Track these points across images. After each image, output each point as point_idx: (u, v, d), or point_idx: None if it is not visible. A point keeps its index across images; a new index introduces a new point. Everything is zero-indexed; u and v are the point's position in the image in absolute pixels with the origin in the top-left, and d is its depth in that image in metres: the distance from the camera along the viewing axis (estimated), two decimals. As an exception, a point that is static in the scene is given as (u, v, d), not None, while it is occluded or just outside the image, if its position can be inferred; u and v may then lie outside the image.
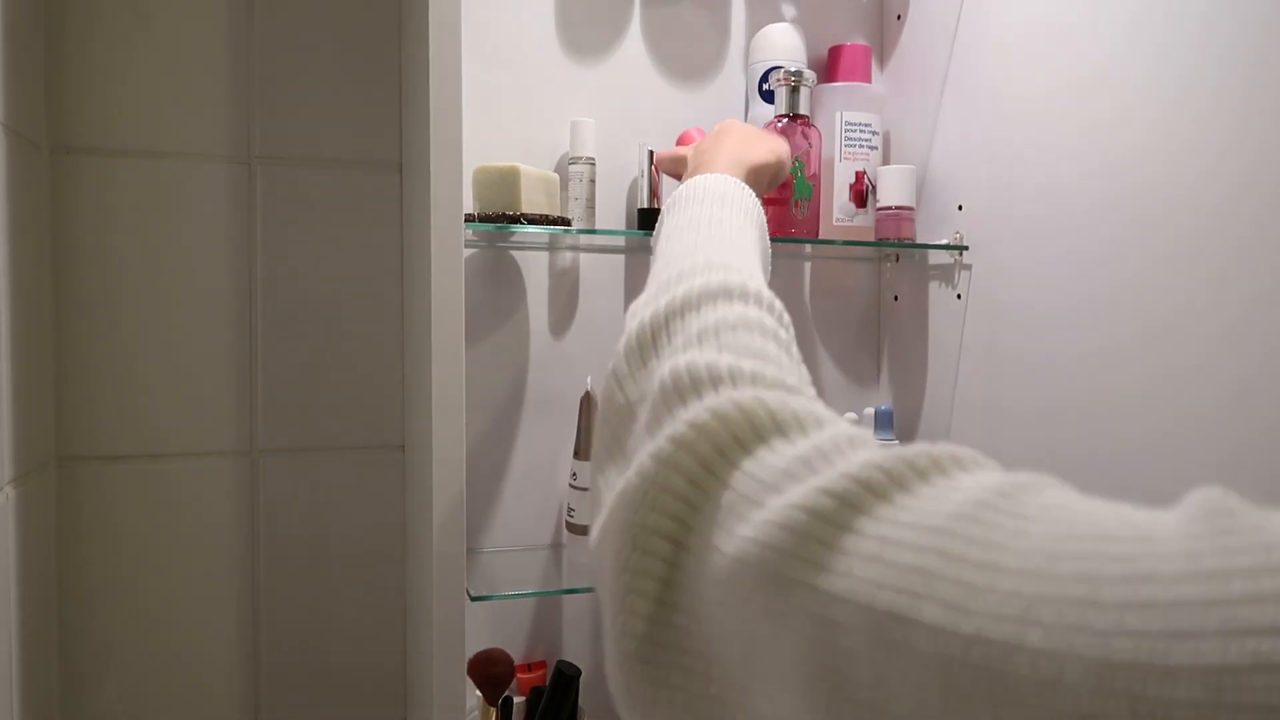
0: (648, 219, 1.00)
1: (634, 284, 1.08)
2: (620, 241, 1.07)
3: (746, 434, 0.36)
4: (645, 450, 0.38)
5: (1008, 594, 0.25)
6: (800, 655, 0.30)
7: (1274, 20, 0.70)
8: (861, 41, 1.13)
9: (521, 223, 0.92)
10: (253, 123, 0.94)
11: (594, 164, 1.00)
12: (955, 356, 1.05)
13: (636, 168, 1.03)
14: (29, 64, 0.82)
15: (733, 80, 1.11)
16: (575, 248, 1.07)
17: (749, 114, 1.10)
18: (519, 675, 1.01)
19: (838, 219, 1.07)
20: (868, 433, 0.35)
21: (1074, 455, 0.88)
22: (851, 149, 1.07)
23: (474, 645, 0.96)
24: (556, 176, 0.98)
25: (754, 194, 0.64)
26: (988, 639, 0.25)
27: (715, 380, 0.39)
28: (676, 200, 0.62)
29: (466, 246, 1.00)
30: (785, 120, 1.01)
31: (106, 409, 0.91)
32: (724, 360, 0.40)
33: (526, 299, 1.05)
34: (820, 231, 1.04)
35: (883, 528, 0.29)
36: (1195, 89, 0.76)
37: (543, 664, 1.05)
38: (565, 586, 1.00)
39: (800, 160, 1.00)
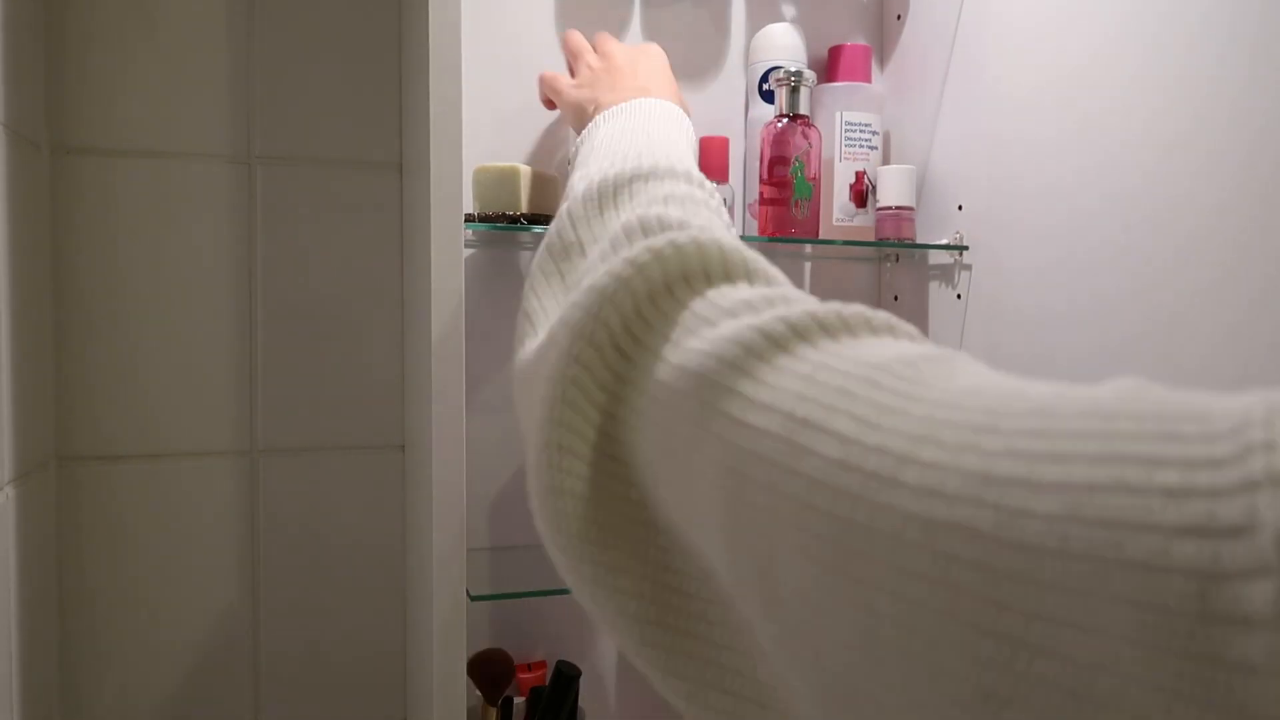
0: None
1: (634, 284, 1.08)
2: (620, 241, 1.07)
3: (711, 265, 0.38)
4: (600, 270, 0.40)
5: (918, 417, 0.27)
6: (717, 464, 0.32)
7: (1272, 15, 0.70)
8: (861, 41, 1.13)
9: (521, 223, 0.92)
10: (253, 123, 0.94)
11: (594, 164, 1.00)
12: (955, 356, 1.05)
13: None
14: (29, 64, 0.82)
15: (733, 80, 1.11)
16: (575, 248, 1.06)
17: (749, 114, 1.10)
18: (519, 675, 1.01)
19: (838, 219, 1.07)
20: None
21: (1074, 455, 0.88)
22: (851, 149, 1.07)
23: (474, 645, 0.96)
24: (556, 176, 0.98)
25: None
26: (887, 449, 0.26)
27: (682, 225, 0.41)
28: (635, 109, 0.65)
29: (466, 246, 1.00)
30: (785, 120, 1.01)
31: (107, 409, 0.91)
32: (686, 216, 0.43)
33: (526, 299, 1.05)
34: (820, 231, 1.04)
35: (823, 356, 0.32)
36: (1195, 88, 0.76)
37: (543, 664, 1.05)
38: (565, 586, 1.00)
39: (800, 160, 1.00)
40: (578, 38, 0.92)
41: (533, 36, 1.04)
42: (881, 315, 0.35)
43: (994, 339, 0.99)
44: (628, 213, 0.45)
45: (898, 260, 1.16)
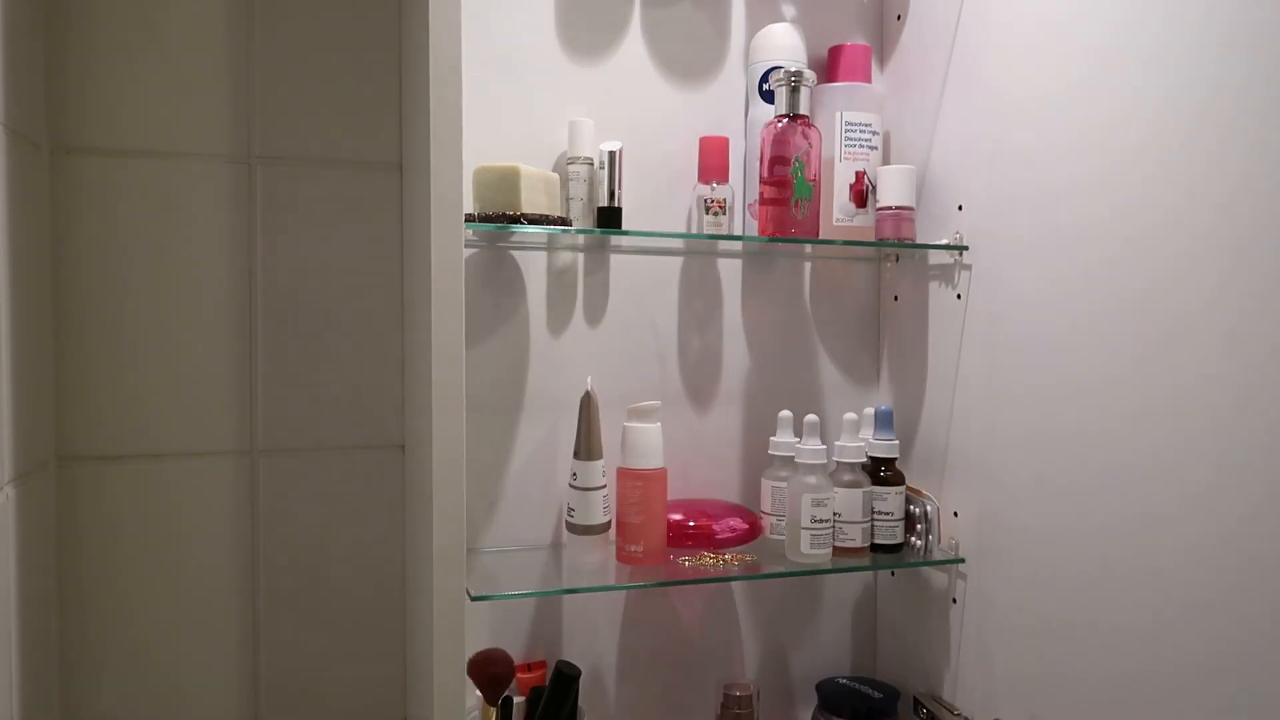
0: (607, 217, 1.00)
1: (633, 284, 1.08)
2: (621, 241, 1.07)
3: None
4: None
5: None
6: None
7: (1273, 17, 0.70)
8: (861, 41, 1.13)
9: (521, 223, 0.92)
10: (253, 123, 0.95)
11: (592, 164, 1.00)
12: (955, 356, 1.05)
13: (602, 168, 1.01)
14: (29, 64, 0.82)
15: (733, 80, 1.11)
16: (575, 248, 1.07)
17: (749, 114, 1.10)
18: (519, 675, 1.01)
19: (838, 219, 1.07)
20: None
21: (1075, 454, 0.88)
22: (851, 149, 1.07)
23: (474, 645, 0.96)
24: (556, 176, 0.98)
25: None
26: None
27: None
28: None
29: (466, 246, 1.00)
30: (785, 120, 1.01)
31: (106, 409, 0.91)
32: None
33: (526, 299, 1.05)
34: (820, 231, 1.04)
35: None
36: (1195, 87, 0.76)
37: (543, 664, 1.05)
38: (565, 586, 1.00)
39: (800, 160, 1.00)
40: None
41: (533, 36, 1.04)
42: None
43: (994, 338, 0.99)
44: None
45: (898, 260, 1.16)
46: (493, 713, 0.95)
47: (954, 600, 1.05)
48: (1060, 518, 0.90)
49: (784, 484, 1.03)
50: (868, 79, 1.11)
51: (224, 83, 0.93)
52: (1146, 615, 0.81)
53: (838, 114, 1.07)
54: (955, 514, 1.05)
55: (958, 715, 1.03)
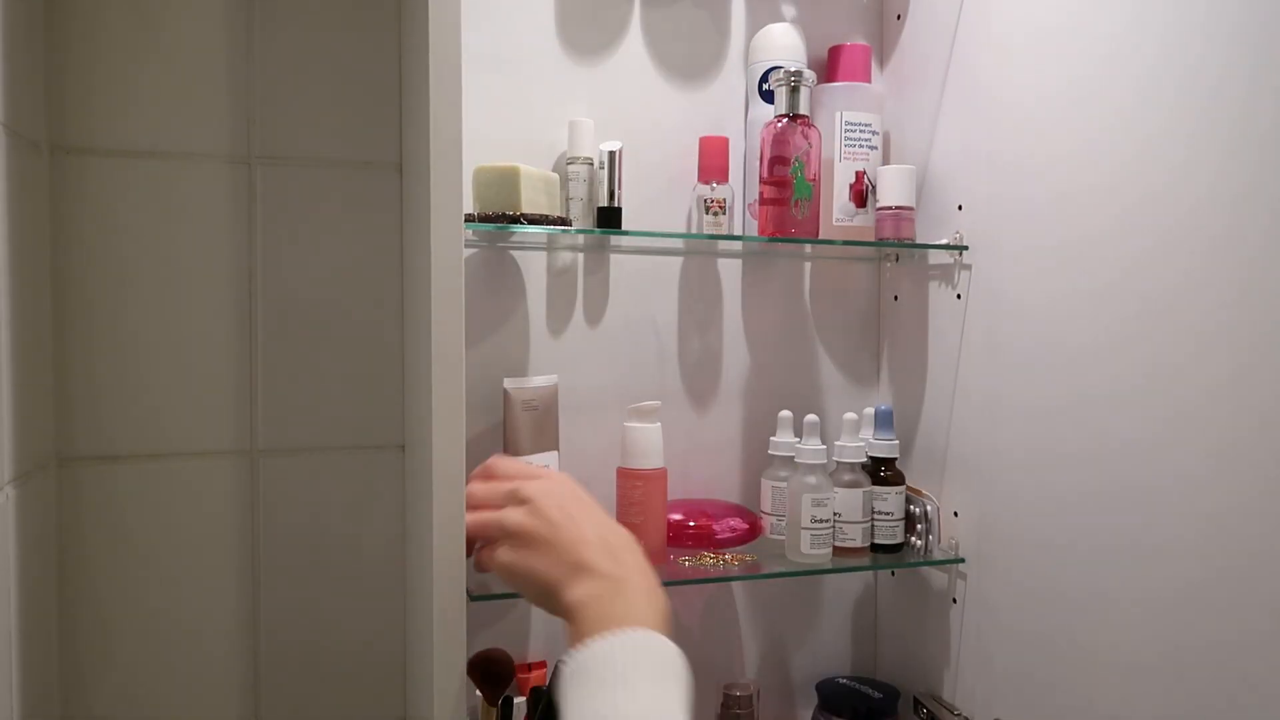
0: (606, 217, 1.00)
1: (633, 284, 1.08)
2: (621, 241, 1.07)
3: None
4: None
5: None
6: None
7: (1276, 19, 0.70)
8: (861, 41, 1.13)
9: (521, 223, 0.92)
10: (253, 123, 0.94)
11: (592, 164, 1.01)
12: (955, 356, 1.05)
13: (603, 167, 1.01)
14: (29, 64, 0.82)
15: (733, 80, 1.11)
16: (575, 248, 1.07)
17: (749, 114, 1.10)
18: (519, 675, 1.01)
19: (838, 219, 1.07)
20: None
21: (1074, 454, 0.88)
22: (851, 149, 1.07)
23: (474, 645, 0.96)
24: (556, 176, 0.98)
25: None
26: None
27: None
28: (631, 674, 0.53)
29: (466, 246, 1.00)
30: (785, 120, 1.01)
31: (107, 409, 0.91)
32: None
33: (526, 299, 1.05)
34: (820, 231, 1.04)
35: None
36: (1196, 87, 0.76)
37: (543, 664, 1.05)
38: (565, 586, 1.00)
39: (800, 160, 1.00)
40: (504, 464, 0.78)
41: (533, 36, 1.04)
42: None
43: (994, 339, 0.99)
44: None
45: (898, 260, 1.16)
46: (493, 713, 0.95)
47: (954, 600, 1.05)
48: (1061, 517, 0.90)
49: (784, 484, 1.03)
50: (867, 79, 1.11)
51: (224, 83, 0.93)
52: (1147, 615, 0.81)
53: (837, 114, 1.07)
54: (955, 514, 1.05)
55: (958, 715, 1.03)
